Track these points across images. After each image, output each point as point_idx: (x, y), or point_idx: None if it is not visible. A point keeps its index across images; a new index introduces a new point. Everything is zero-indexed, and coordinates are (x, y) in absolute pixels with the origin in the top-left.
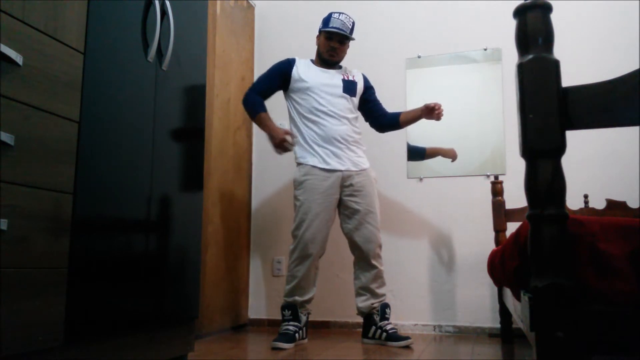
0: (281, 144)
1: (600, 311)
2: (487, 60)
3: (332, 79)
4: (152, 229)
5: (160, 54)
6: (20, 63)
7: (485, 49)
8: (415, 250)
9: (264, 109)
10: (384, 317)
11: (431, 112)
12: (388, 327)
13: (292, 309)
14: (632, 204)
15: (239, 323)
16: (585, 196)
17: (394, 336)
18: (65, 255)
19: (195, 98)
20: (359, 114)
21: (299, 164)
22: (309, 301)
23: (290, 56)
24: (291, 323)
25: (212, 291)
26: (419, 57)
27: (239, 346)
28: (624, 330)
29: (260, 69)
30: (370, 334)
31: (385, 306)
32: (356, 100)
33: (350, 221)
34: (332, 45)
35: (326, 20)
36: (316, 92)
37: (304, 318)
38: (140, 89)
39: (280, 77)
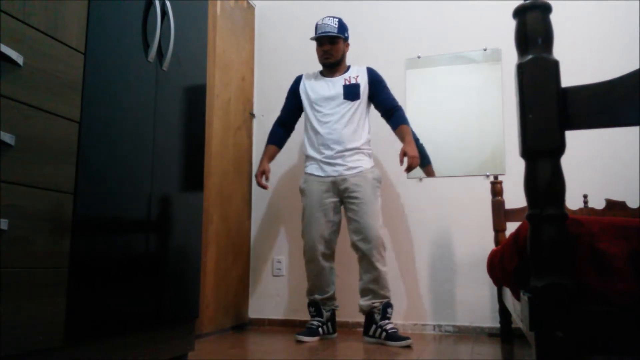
0: (256, 178)
1: (600, 311)
2: (487, 60)
3: (333, 88)
4: (153, 229)
5: (160, 54)
6: (21, 63)
7: (485, 49)
8: (415, 250)
9: (273, 141)
10: (385, 316)
11: (404, 160)
12: (388, 326)
13: (315, 306)
14: (632, 204)
15: (239, 323)
16: (585, 196)
17: (394, 336)
18: (65, 255)
19: (195, 98)
20: (367, 117)
21: (304, 172)
22: (330, 299)
23: (289, 57)
24: (315, 319)
25: (212, 291)
26: (419, 57)
27: (239, 346)
28: (624, 330)
29: (260, 69)
30: (370, 332)
31: (387, 305)
32: (361, 102)
33: (351, 223)
34: (324, 49)
35: (315, 31)
36: (318, 103)
37: (327, 314)
38: (141, 89)
39: (294, 97)
